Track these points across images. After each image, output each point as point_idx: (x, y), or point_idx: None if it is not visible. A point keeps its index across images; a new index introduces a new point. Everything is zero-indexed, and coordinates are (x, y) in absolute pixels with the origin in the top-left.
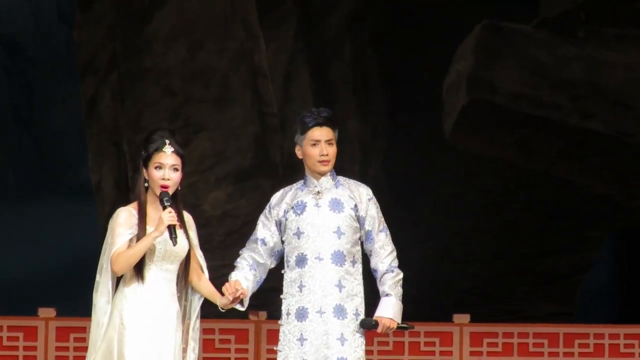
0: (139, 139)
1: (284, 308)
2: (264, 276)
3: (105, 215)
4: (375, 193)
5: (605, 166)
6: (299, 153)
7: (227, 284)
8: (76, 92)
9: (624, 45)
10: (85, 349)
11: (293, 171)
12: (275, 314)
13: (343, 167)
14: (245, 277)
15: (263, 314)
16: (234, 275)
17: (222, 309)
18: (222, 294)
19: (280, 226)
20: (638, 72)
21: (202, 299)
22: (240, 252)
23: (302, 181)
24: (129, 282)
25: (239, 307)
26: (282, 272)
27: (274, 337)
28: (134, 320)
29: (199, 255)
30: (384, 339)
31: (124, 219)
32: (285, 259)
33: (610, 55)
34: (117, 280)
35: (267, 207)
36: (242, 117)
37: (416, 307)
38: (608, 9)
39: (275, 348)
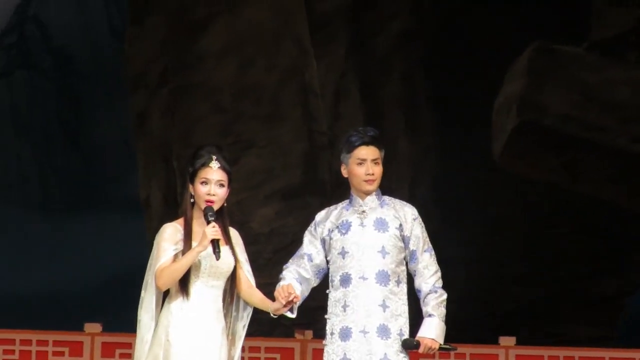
0: (188, 154)
1: (328, 328)
2: (307, 293)
3: (154, 231)
4: (423, 213)
5: None
6: (344, 172)
7: (279, 288)
8: (125, 107)
9: None
10: None
11: (341, 189)
12: (320, 332)
13: (391, 187)
14: (294, 284)
15: (309, 333)
16: (284, 282)
17: (274, 314)
18: (274, 300)
19: (325, 245)
20: None
21: (249, 320)
22: (285, 266)
23: (347, 200)
24: (175, 298)
25: (289, 314)
26: (327, 291)
27: (319, 356)
28: (179, 337)
29: (246, 271)
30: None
31: (169, 234)
32: (329, 278)
33: None
34: (164, 297)
35: (313, 224)
36: (291, 135)
37: (461, 328)
38: None
39: None
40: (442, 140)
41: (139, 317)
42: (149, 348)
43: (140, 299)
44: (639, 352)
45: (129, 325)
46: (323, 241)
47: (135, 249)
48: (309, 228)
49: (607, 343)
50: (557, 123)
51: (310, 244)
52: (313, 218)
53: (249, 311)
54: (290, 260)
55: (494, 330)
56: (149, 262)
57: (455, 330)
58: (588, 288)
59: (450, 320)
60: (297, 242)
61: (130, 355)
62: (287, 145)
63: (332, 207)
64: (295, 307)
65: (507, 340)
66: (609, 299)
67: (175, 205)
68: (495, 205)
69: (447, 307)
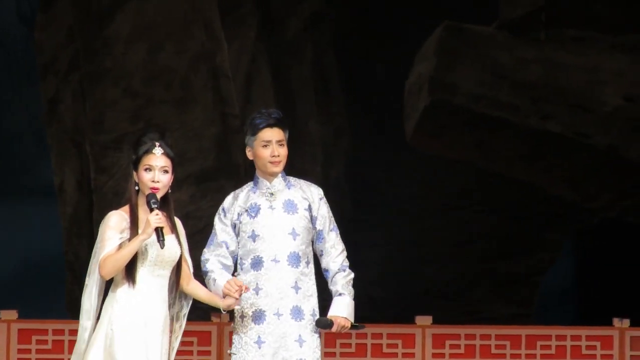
0: (101, 139)
1: (237, 311)
2: None
3: (68, 217)
4: (337, 194)
5: (563, 168)
6: (249, 154)
7: (226, 283)
8: (34, 94)
9: (583, 47)
10: (47, 351)
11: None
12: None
13: (305, 169)
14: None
15: (225, 316)
16: (222, 277)
17: (225, 310)
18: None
19: (235, 229)
20: (596, 74)
21: (191, 304)
22: (205, 258)
23: (251, 183)
24: (120, 286)
25: (237, 307)
26: (236, 275)
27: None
28: (123, 325)
29: (188, 261)
30: (347, 341)
31: (114, 222)
32: (238, 262)
33: (569, 57)
34: (108, 285)
35: (221, 211)
36: (203, 118)
37: (378, 308)
38: (568, 12)
39: (229, 352)
40: (355, 122)
41: (81, 304)
42: (90, 335)
43: (84, 286)
44: (554, 328)
45: (44, 312)
46: (234, 226)
47: (49, 236)
48: (219, 216)
49: (524, 321)
50: (469, 102)
51: (224, 232)
52: (222, 203)
53: (190, 300)
54: (207, 251)
55: (410, 310)
56: (94, 249)
57: (372, 310)
58: (501, 267)
59: (367, 301)
60: (211, 225)
61: (47, 342)
62: (200, 129)
63: (237, 191)
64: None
65: (424, 320)
66: (522, 277)
67: (90, 191)
68: (408, 186)
69: (364, 288)
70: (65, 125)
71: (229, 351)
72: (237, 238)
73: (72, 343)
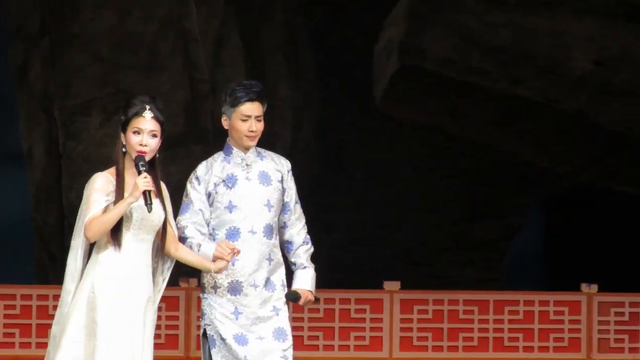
0: (69, 105)
1: (207, 281)
2: None
3: (36, 182)
4: (306, 158)
5: (533, 133)
6: (225, 124)
7: (218, 247)
8: (2, 60)
9: (552, 12)
10: (15, 316)
11: (224, 137)
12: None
13: (275, 132)
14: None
15: (194, 281)
16: (207, 243)
17: (215, 273)
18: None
19: (209, 199)
20: (565, 39)
21: (167, 281)
22: (183, 225)
23: (222, 152)
24: (104, 249)
25: (209, 276)
26: None
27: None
28: (105, 289)
29: (174, 226)
30: (314, 306)
31: (100, 184)
32: (210, 232)
33: (539, 21)
34: (92, 248)
35: (194, 179)
36: (172, 83)
37: (346, 272)
38: None
39: (200, 322)
40: (324, 86)
41: (66, 267)
42: (72, 298)
43: (70, 248)
44: (521, 294)
45: (12, 277)
46: (208, 195)
47: (17, 202)
48: (192, 184)
49: (492, 286)
50: (438, 67)
51: (199, 200)
52: (194, 171)
53: (170, 265)
54: (183, 218)
55: (378, 275)
56: (79, 211)
57: (340, 274)
58: (470, 232)
59: (336, 265)
60: (180, 191)
61: (14, 307)
62: (168, 94)
63: (210, 160)
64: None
65: (392, 285)
66: (490, 242)
67: (58, 156)
68: (377, 151)
69: (334, 252)
70: (35, 91)
71: (201, 322)
72: (210, 208)
73: (40, 308)
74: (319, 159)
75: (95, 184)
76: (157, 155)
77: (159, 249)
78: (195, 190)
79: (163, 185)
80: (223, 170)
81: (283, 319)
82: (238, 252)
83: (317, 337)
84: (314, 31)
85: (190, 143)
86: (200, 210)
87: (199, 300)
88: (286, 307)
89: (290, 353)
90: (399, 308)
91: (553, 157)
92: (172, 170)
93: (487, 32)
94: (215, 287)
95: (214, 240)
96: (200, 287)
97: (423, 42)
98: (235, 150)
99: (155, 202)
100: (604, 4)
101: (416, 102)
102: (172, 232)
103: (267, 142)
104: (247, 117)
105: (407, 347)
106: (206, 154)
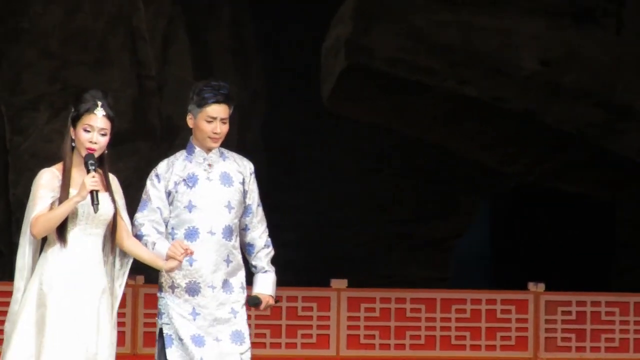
0: (17, 100)
1: (165, 280)
2: None
3: None
4: (252, 158)
5: (481, 132)
6: (190, 122)
7: (171, 246)
8: None
9: (500, 11)
10: None
11: (171, 134)
12: (151, 278)
13: None
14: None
15: (140, 278)
16: (161, 241)
17: (167, 272)
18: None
19: (169, 197)
20: (512, 38)
21: (127, 274)
22: (139, 222)
23: (184, 151)
24: (51, 246)
25: (166, 275)
26: None
27: (151, 301)
28: (54, 285)
29: (125, 219)
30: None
31: (46, 180)
32: (168, 231)
33: (486, 20)
34: (43, 244)
35: (154, 177)
36: (120, 80)
37: (294, 271)
38: None
39: (158, 321)
40: (271, 85)
41: (15, 264)
42: (22, 295)
43: (18, 246)
44: (469, 292)
45: None
46: (168, 194)
47: None
48: (151, 182)
49: (440, 285)
50: (386, 66)
51: (158, 198)
52: (145, 163)
53: (129, 259)
54: (140, 216)
55: (326, 274)
56: (27, 208)
57: (289, 274)
58: (417, 231)
59: (284, 264)
60: (128, 188)
61: None
62: (116, 91)
63: (171, 159)
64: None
65: (339, 283)
66: (438, 241)
67: (5, 151)
68: (325, 150)
69: (283, 251)
70: None
71: (158, 320)
72: (169, 207)
73: None
74: (267, 159)
75: (41, 180)
76: (106, 151)
77: (110, 242)
78: (154, 188)
79: (114, 178)
80: (184, 169)
81: (241, 322)
82: (191, 252)
83: (264, 335)
84: (261, 29)
85: (138, 140)
86: (158, 208)
87: (146, 297)
88: (244, 309)
89: (247, 356)
90: (346, 306)
91: (500, 156)
92: (120, 167)
93: (435, 31)
94: (172, 287)
95: (172, 239)
96: (158, 285)
97: (370, 40)
98: (197, 149)
99: (103, 196)
100: (552, 3)
101: (364, 101)
102: (124, 225)
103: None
104: (213, 119)
105: (355, 345)
106: (153, 152)
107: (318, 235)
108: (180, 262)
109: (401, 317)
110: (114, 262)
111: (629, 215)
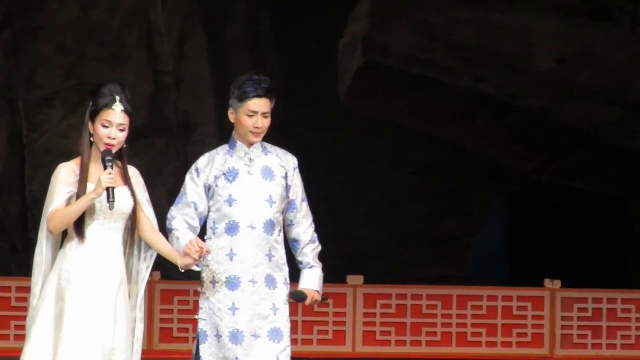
0: (33, 96)
1: (206, 275)
2: None
3: None
4: None
5: (496, 129)
6: (231, 117)
7: (188, 243)
8: None
9: (515, 9)
10: None
11: (187, 130)
12: (169, 274)
13: None
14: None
15: (157, 274)
16: (185, 237)
17: (182, 269)
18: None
19: (209, 192)
20: (529, 36)
21: (150, 268)
22: (171, 215)
23: (226, 145)
24: (70, 241)
25: (195, 267)
26: (206, 238)
27: (167, 297)
28: (72, 280)
29: (147, 212)
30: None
31: (63, 175)
32: (210, 225)
33: (502, 18)
34: (63, 239)
35: (194, 171)
36: (136, 76)
37: None
38: None
39: (196, 317)
40: (288, 81)
41: (33, 259)
42: (41, 290)
43: (37, 242)
44: (485, 289)
45: None
46: (208, 188)
47: None
48: (190, 175)
49: (456, 281)
50: (402, 63)
51: (194, 192)
52: (161, 159)
53: (152, 252)
54: (174, 209)
55: (342, 270)
56: (45, 203)
57: None
58: (434, 228)
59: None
60: (145, 184)
61: None
62: (132, 87)
63: (213, 152)
64: (202, 259)
65: (355, 279)
66: (454, 238)
67: (21, 148)
68: (340, 147)
69: None
70: None
71: (196, 316)
72: (207, 200)
73: (2, 300)
74: None
75: (58, 175)
76: (125, 145)
77: (130, 235)
78: (192, 182)
79: (135, 171)
80: (225, 164)
81: (281, 319)
82: (207, 251)
83: None
84: (278, 25)
85: (153, 135)
86: (192, 202)
87: (162, 293)
88: (286, 306)
89: (285, 355)
90: (362, 302)
91: (515, 154)
92: (136, 162)
93: (451, 29)
94: (213, 282)
95: (214, 233)
96: (199, 281)
97: (387, 37)
98: (239, 144)
99: (122, 190)
100: (567, 1)
101: (380, 98)
102: (145, 217)
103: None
104: (254, 113)
105: (370, 341)
106: (169, 147)
107: (334, 232)
108: (195, 260)
109: (417, 313)
110: (138, 255)
111: None
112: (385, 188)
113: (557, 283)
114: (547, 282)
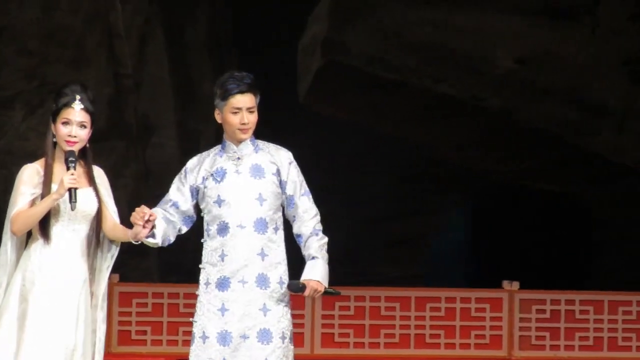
0: None
1: (202, 277)
2: (172, 237)
3: None
4: None
5: (455, 130)
6: (218, 118)
7: (133, 213)
8: None
9: (476, 9)
10: None
11: (147, 132)
12: (129, 275)
13: (198, 129)
14: (159, 220)
15: (115, 277)
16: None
17: (135, 241)
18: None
19: (198, 193)
20: (488, 36)
21: (110, 268)
22: (154, 209)
23: (219, 146)
24: (34, 242)
25: (151, 239)
26: (202, 241)
27: (125, 299)
28: (36, 281)
29: (112, 210)
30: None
31: (27, 176)
32: (205, 227)
33: (462, 19)
34: (28, 240)
35: (183, 171)
36: (97, 78)
37: None
38: None
39: (190, 319)
40: None
41: None
42: (5, 291)
43: (1, 243)
44: (443, 290)
45: None
46: (196, 190)
47: None
48: (179, 176)
49: (415, 283)
50: (362, 64)
51: (178, 192)
52: (122, 162)
53: (114, 252)
54: (157, 206)
55: (299, 273)
56: (8, 205)
57: None
58: (393, 229)
59: None
60: None
61: None
62: (93, 89)
63: (204, 154)
64: (158, 232)
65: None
66: (413, 239)
67: None
68: (299, 148)
69: None
70: None
71: (191, 319)
72: (193, 201)
73: None
74: None
75: (22, 176)
76: (88, 145)
77: (95, 236)
78: (179, 181)
79: (99, 171)
80: (214, 164)
81: (271, 320)
82: (152, 215)
83: None
84: (238, 27)
85: (114, 138)
86: (173, 200)
87: (120, 295)
88: (281, 307)
89: (275, 357)
90: (320, 305)
91: (476, 155)
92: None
93: (411, 29)
94: (207, 284)
95: (208, 235)
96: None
97: (347, 38)
98: (228, 143)
99: (86, 191)
100: (527, 2)
101: (340, 99)
102: (109, 216)
103: (192, 138)
104: (238, 110)
105: (329, 343)
106: (129, 150)
107: (291, 233)
108: (142, 226)
109: (376, 315)
110: (102, 255)
111: (604, 215)
112: (346, 189)
113: (516, 285)
114: (505, 283)
